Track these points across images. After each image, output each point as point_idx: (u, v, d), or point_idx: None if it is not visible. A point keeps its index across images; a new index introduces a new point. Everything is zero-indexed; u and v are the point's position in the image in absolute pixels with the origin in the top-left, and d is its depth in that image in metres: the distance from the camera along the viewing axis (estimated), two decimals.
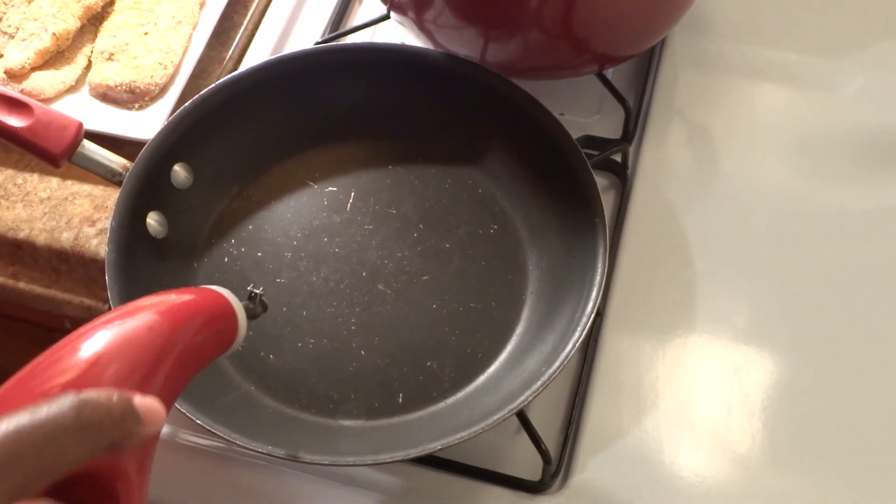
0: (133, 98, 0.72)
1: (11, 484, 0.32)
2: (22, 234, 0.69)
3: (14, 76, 0.71)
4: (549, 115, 0.66)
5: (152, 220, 0.64)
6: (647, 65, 0.80)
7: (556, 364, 0.56)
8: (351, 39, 0.80)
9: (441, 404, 0.61)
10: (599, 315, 0.67)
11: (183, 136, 0.66)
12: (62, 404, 0.33)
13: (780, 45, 0.82)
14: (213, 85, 0.67)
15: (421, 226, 0.67)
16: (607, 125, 0.76)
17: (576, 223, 0.63)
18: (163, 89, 0.73)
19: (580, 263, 0.62)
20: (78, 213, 0.70)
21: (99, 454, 0.34)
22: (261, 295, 0.51)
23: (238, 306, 0.49)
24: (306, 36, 0.80)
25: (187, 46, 0.74)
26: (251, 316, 0.50)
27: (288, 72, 0.69)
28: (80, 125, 0.62)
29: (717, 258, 0.70)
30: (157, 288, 0.48)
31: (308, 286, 0.65)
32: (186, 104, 0.66)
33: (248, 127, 0.69)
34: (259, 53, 0.78)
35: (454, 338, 0.63)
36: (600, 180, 0.73)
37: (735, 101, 0.79)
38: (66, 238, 0.69)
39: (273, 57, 0.69)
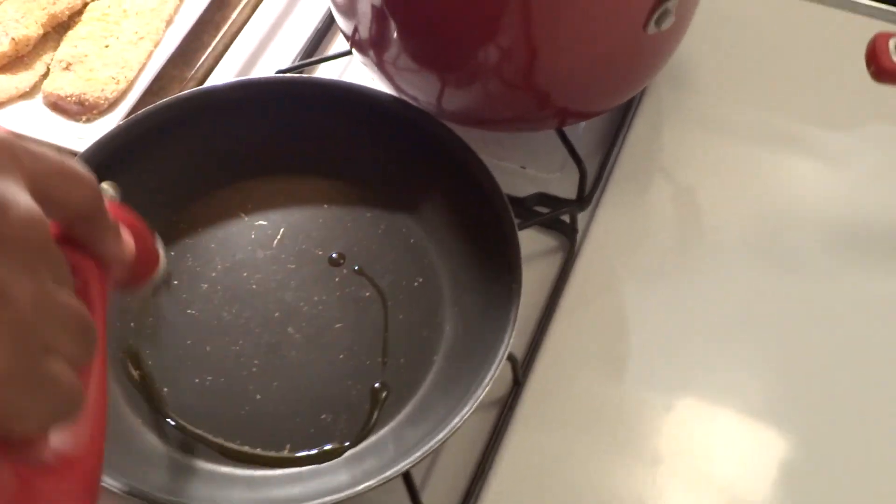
0: (82, 110, 0.71)
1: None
2: None
3: None
4: (485, 170, 0.63)
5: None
6: (620, 122, 0.76)
7: (439, 436, 0.53)
8: (320, 70, 0.79)
9: (326, 462, 0.58)
10: (519, 385, 0.64)
11: (112, 154, 0.64)
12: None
13: (768, 107, 0.79)
14: (150, 107, 0.66)
15: (345, 270, 0.65)
16: (569, 183, 0.73)
17: (494, 287, 0.60)
18: (113, 104, 0.72)
19: (491, 331, 0.58)
20: None
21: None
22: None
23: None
24: (275, 61, 0.79)
25: (145, 63, 0.74)
26: None
27: (228, 100, 0.67)
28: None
29: (655, 337, 0.67)
30: None
31: (217, 321, 0.63)
32: (121, 122, 0.65)
33: (185, 152, 0.67)
34: (223, 76, 0.77)
35: (355, 392, 0.60)
36: (548, 240, 0.71)
37: (715, 167, 0.76)
38: None
39: (213, 84, 0.68)
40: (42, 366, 0.32)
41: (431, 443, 0.53)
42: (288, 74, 0.74)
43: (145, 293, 0.62)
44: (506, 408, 0.63)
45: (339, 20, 0.70)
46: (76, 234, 0.39)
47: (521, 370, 0.63)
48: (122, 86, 0.72)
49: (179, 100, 0.67)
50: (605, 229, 0.71)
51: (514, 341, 0.64)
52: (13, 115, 0.71)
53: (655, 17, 0.61)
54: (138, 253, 0.46)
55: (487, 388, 0.55)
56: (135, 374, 0.60)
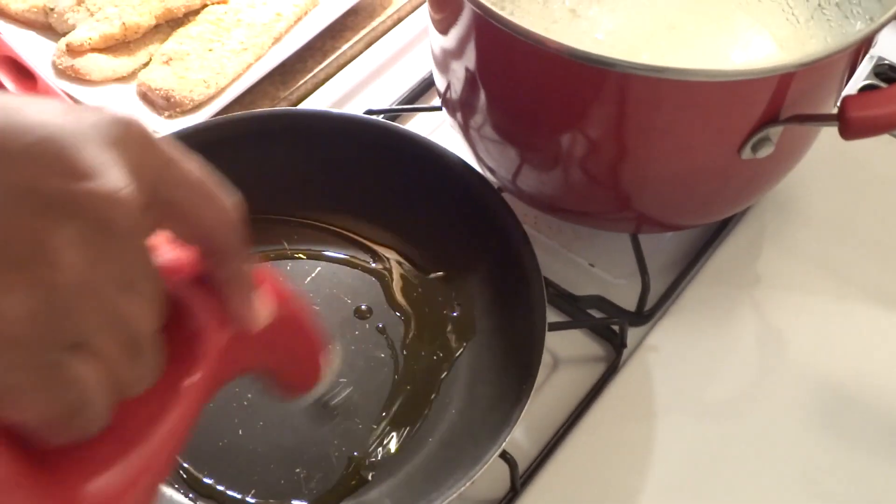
0: (167, 105, 0.71)
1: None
2: None
3: (72, 50, 0.73)
4: (534, 263, 0.59)
5: None
6: (708, 241, 0.71)
7: None
8: (413, 122, 0.77)
9: None
10: (515, 492, 0.59)
11: None
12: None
13: (885, 263, 0.71)
14: (228, 116, 0.65)
15: (367, 325, 0.62)
16: (634, 293, 0.67)
17: (510, 382, 0.56)
18: (198, 106, 0.72)
19: (492, 426, 0.54)
20: None
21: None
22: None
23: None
24: (372, 102, 0.78)
25: (241, 74, 0.73)
26: None
27: (303, 127, 0.66)
28: None
29: (675, 482, 0.60)
30: None
31: None
32: (195, 124, 0.65)
33: (254, 167, 0.65)
34: (315, 104, 0.76)
35: (337, 454, 0.57)
36: (596, 347, 0.66)
37: (809, 313, 0.69)
38: None
39: (291, 108, 0.67)
40: (61, 357, 0.28)
41: None
42: (370, 116, 0.72)
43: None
44: None
45: (436, 75, 0.68)
46: (204, 271, 0.35)
47: (521, 477, 0.59)
48: (212, 91, 0.72)
49: (259, 115, 0.66)
50: (658, 350, 0.66)
51: (523, 446, 0.61)
52: (103, 94, 0.72)
53: (752, 142, 0.56)
54: (292, 351, 0.41)
55: (467, 485, 0.50)
56: None
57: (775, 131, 0.55)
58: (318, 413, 0.57)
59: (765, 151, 0.56)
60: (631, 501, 0.59)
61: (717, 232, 0.71)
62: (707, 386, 0.65)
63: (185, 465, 0.56)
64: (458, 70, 0.62)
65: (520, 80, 0.59)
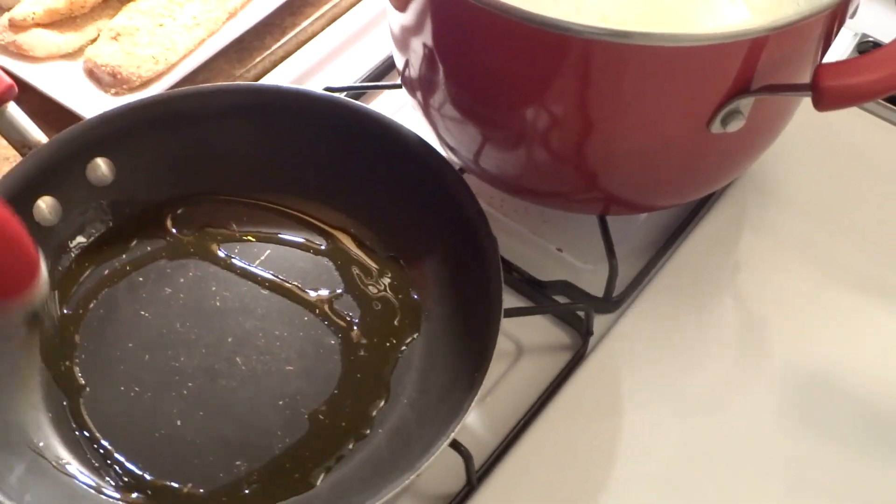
0: (114, 82, 0.68)
1: None
2: None
3: (15, 26, 0.69)
4: (493, 244, 0.56)
5: (44, 203, 0.59)
6: (681, 225, 0.68)
7: None
8: (376, 102, 0.73)
9: None
10: (472, 487, 0.55)
11: (115, 132, 0.60)
12: None
13: (871, 251, 0.68)
14: (164, 93, 0.62)
15: (317, 311, 0.59)
16: (604, 280, 0.64)
17: (462, 371, 0.53)
18: (146, 83, 0.68)
19: (442, 417, 0.51)
20: None
21: None
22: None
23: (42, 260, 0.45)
24: (333, 80, 0.74)
25: (193, 50, 0.70)
26: None
27: (248, 105, 0.62)
28: (11, 87, 0.59)
29: (640, 477, 0.57)
30: None
31: (167, 330, 0.57)
32: (130, 102, 0.61)
33: (192, 146, 0.62)
34: (273, 82, 0.73)
35: (280, 446, 0.53)
36: (561, 335, 0.63)
37: (789, 301, 0.65)
38: None
39: (230, 84, 0.64)
40: None
41: None
42: (326, 92, 0.68)
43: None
44: None
45: (395, 53, 0.64)
46: None
47: (477, 471, 0.55)
48: (161, 67, 0.68)
49: (208, 90, 0.63)
50: (627, 339, 0.63)
51: (482, 438, 0.58)
52: (48, 71, 0.69)
53: (722, 115, 0.52)
54: (4, 249, 0.42)
55: (412, 478, 0.47)
56: (62, 363, 0.56)
57: (746, 103, 0.52)
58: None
59: (735, 125, 0.53)
60: (594, 498, 0.56)
61: (692, 215, 0.68)
62: (679, 377, 0.62)
63: (119, 456, 0.52)
64: (417, 46, 0.59)
65: (479, 52, 0.55)
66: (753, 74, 0.51)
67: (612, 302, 0.63)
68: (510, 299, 0.64)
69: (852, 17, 0.56)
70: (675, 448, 0.58)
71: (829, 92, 0.49)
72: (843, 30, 0.56)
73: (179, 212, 0.62)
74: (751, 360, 0.63)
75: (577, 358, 0.61)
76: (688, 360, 0.62)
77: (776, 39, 0.49)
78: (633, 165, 0.58)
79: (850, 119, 0.74)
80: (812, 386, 0.62)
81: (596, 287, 0.64)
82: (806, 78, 0.51)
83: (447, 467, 0.56)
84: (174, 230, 0.62)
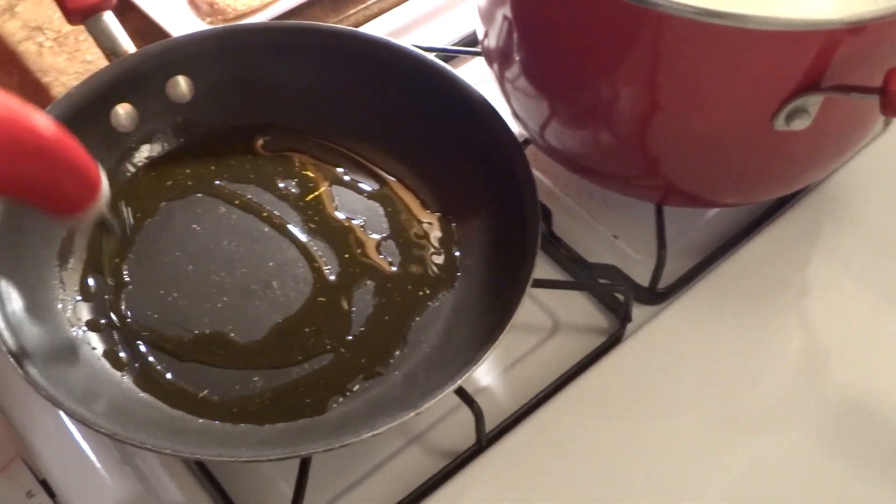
0: (211, 12, 0.71)
1: None
2: (45, 79, 0.70)
3: None
4: (535, 204, 0.56)
5: (122, 110, 0.62)
6: (748, 227, 0.66)
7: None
8: (461, 64, 0.74)
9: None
10: (480, 447, 0.55)
11: (197, 55, 0.63)
12: None
13: None
14: (248, 23, 0.64)
15: (360, 251, 0.59)
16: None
17: (485, 325, 0.53)
18: (239, 16, 0.71)
19: (455, 368, 0.51)
20: None
21: None
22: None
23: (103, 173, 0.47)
24: (423, 40, 0.75)
25: None
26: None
27: (316, 45, 0.64)
28: None
29: (653, 479, 0.56)
30: None
31: (213, 246, 0.59)
32: (217, 27, 0.64)
33: (270, 76, 0.64)
34: None
35: (298, 371, 0.54)
36: (600, 318, 0.62)
37: (857, 326, 0.63)
38: None
39: (308, 23, 0.65)
40: None
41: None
42: (403, 44, 0.68)
43: (75, 225, 0.57)
44: (453, 463, 0.55)
45: (477, 23, 0.65)
46: None
47: (488, 433, 0.55)
48: (256, 4, 0.70)
49: (284, 27, 0.65)
50: (666, 334, 0.61)
51: (500, 401, 0.58)
52: None
53: (787, 110, 0.51)
54: (36, 175, 0.43)
55: (411, 416, 0.47)
56: (112, 259, 0.58)
57: (814, 101, 0.50)
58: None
59: (800, 124, 0.51)
60: (597, 488, 0.55)
61: (756, 223, 0.66)
62: (715, 385, 0.60)
63: (144, 351, 0.55)
64: (498, 17, 0.60)
65: (558, 24, 0.55)
66: (825, 71, 0.49)
67: (656, 293, 0.62)
68: (553, 274, 0.64)
69: None
70: (696, 460, 0.56)
71: None
72: None
73: (248, 139, 0.64)
74: (802, 384, 0.60)
75: (611, 342, 0.60)
76: (729, 370, 0.60)
77: (852, 35, 0.48)
78: (695, 153, 0.57)
79: None
80: (861, 421, 0.59)
81: (644, 279, 0.63)
82: (877, 82, 0.50)
83: (460, 426, 0.56)
84: (240, 155, 0.64)
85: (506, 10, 0.58)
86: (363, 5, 0.75)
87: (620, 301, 0.61)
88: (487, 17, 0.62)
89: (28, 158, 0.42)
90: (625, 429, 0.57)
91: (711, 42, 0.49)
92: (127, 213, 0.60)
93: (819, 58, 0.49)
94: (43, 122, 0.43)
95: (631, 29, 0.51)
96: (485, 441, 0.55)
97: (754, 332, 0.62)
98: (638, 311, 0.62)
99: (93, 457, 0.56)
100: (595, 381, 0.59)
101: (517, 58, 0.60)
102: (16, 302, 0.52)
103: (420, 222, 0.61)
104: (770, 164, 0.57)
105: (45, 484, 0.59)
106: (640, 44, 0.51)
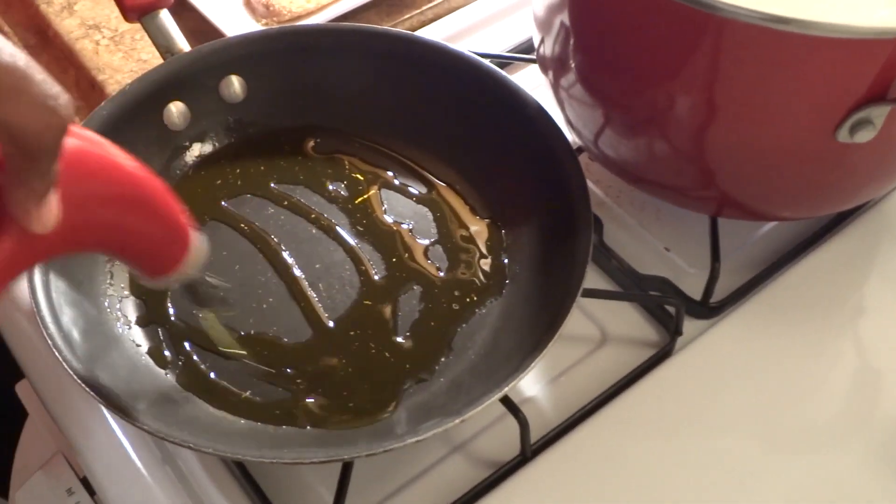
0: (266, 14, 0.71)
1: None
2: (100, 77, 0.70)
3: None
4: (587, 217, 0.55)
5: (175, 108, 0.62)
6: (807, 242, 0.64)
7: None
8: (515, 71, 0.73)
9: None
10: (525, 458, 0.54)
11: (251, 55, 0.63)
12: None
13: None
14: (309, 24, 0.64)
15: (407, 256, 0.59)
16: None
17: (532, 336, 0.52)
18: (294, 19, 0.71)
19: (501, 375, 0.50)
20: None
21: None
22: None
23: (201, 240, 0.46)
24: (479, 44, 0.75)
25: None
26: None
27: (374, 46, 0.63)
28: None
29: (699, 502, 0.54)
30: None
31: (261, 246, 0.59)
32: (272, 28, 0.63)
33: (327, 83, 0.64)
34: None
35: (342, 373, 0.54)
36: (649, 331, 0.61)
37: None
38: None
39: (365, 26, 0.64)
40: None
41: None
42: (456, 48, 0.68)
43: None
44: (496, 474, 0.54)
45: (533, 31, 0.64)
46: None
47: (533, 444, 0.54)
48: (311, 6, 0.70)
49: (337, 29, 0.65)
50: (719, 350, 0.60)
51: (546, 413, 0.57)
52: None
53: (851, 121, 0.49)
54: (136, 232, 0.42)
55: (456, 422, 0.46)
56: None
57: (879, 113, 0.49)
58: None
59: (864, 136, 0.50)
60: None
61: (813, 238, 0.65)
62: (764, 403, 0.58)
63: (189, 349, 0.54)
64: (555, 24, 0.59)
65: (619, 29, 0.54)
66: (892, 81, 0.48)
67: (709, 307, 0.60)
68: (602, 284, 0.62)
69: None
70: (743, 481, 0.54)
71: None
72: None
73: (298, 140, 0.64)
74: (853, 406, 0.58)
75: (661, 355, 0.59)
76: (779, 388, 0.58)
77: None
78: (753, 164, 0.55)
79: None
80: None
81: (696, 292, 0.61)
82: None
83: (504, 436, 0.55)
84: (290, 156, 0.63)
85: (563, 17, 0.57)
86: (417, 11, 0.75)
87: (671, 314, 0.60)
88: (544, 24, 0.61)
89: (134, 213, 0.41)
90: (673, 445, 0.56)
91: (775, 49, 0.48)
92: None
93: (887, 67, 0.47)
94: (155, 181, 0.42)
95: (692, 34, 0.50)
96: (529, 452, 0.54)
97: (807, 351, 0.60)
98: (688, 325, 0.60)
99: (134, 456, 0.56)
100: (643, 394, 0.58)
101: (573, 65, 0.59)
102: (63, 295, 0.52)
103: (468, 228, 0.60)
104: (830, 178, 0.55)
105: (85, 482, 0.59)
106: (701, 50, 0.50)
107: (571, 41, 0.58)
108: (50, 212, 0.34)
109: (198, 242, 0.45)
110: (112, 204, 0.39)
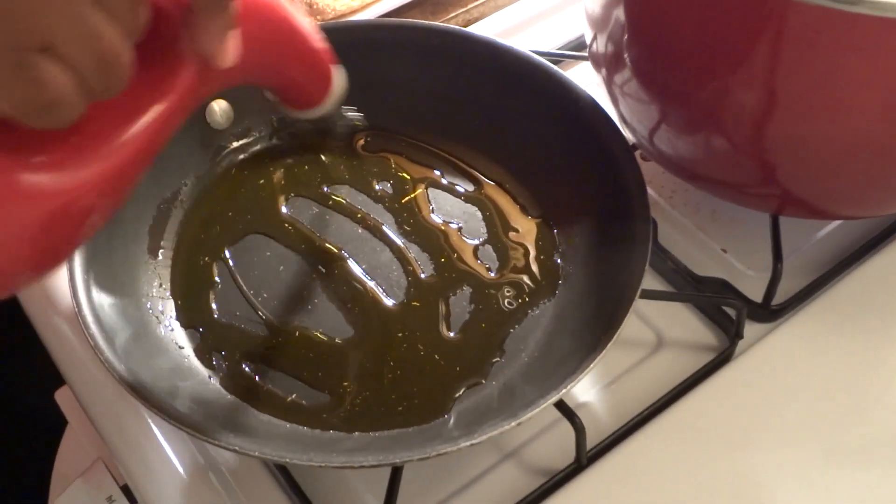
0: (310, 12, 0.70)
1: None
2: None
3: None
4: (646, 213, 0.53)
5: (218, 107, 0.61)
6: (872, 242, 0.62)
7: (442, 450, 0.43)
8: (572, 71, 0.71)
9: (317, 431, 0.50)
10: (580, 466, 0.52)
11: None
12: None
13: None
14: (355, 21, 0.62)
15: (457, 256, 0.57)
16: (765, 286, 0.59)
17: (589, 339, 0.49)
18: (338, 17, 0.69)
19: (558, 378, 0.48)
20: None
21: None
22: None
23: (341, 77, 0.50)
24: (529, 42, 0.73)
25: None
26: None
27: (435, 45, 0.62)
28: None
29: None
30: None
31: (305, 245, 0.57)
32: (322, 25, 0.62)
33: (373, 81, 0.62)
34: None
35: (391, 377, 0.52)
36: (708, 334, 0.59)
37: None
38: None
39: (424, 22, 0.63)
40: (28, 56, 0.29)
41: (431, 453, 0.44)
42: (507, 44, 0.66)
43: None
44: (551, 482, 0.52)
45: (586, 28, 0.62)
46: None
47: (589, 451, 0.52)
48: (356, 4, 0.69)
49: (384, 24, 0.63)
50: (782, 354, 0.57)
51: (602, 419, 0.54)
52: None
53: None
54: (287, 66, 0.45)
55: (512, 425, 0.44)
56: (202, 258, 0.57)
57: None
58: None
59: None
60: None
61: (880, 238, 0.62)
62: (827, 412, 0.55)
63: (233, 353, 0.53)
64: (609, 19, 0.57)
65: (677, 20, 0.52)
66: None
67: (771, 309, 0.58)
68: (658, 286, 0.60)
69: None
70: (804, 493, 0.52)
71: None
72: None
73: (345, 139, 0.63)
74: None
75: (721, 360, 0.56)
76: (844, 395, 0.56)
77: None
78: (818, 159, 0.53)
79: None
80: None
81: (755, 294, 0.59)
82: None
83: (558, 443, 0.53)
84: (335, 155, 0.62)
85: (619, 12, 0.55)
86: (463, 9, 0.73)
87: (730, 317, 0.57)
88: (597, 20, 0.59)
89: (291, 52, 0.45)
90: (733, 454, 0.53)
91: (843, 33, 0.45)
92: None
93: None
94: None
95: (754, 20, 0.48)
96: (585, 459, 0.52)
97: (873, 357, 0.58)
98: (748, 329, 0.58)
99: (176, 462, 0.54)
100: (703, 400, 0.55)
101: (628, 60, 0.57)
102: (104, 295, 0.50)
103: (519, 227, 0.58)
104: None
105: (126, 490, 0.57)
106: (765, 36, 0.48)
107: (626, 36, 0.56)
108: (233, 48, 0.38)
109: (339, 80, 0.49)
110: (275, 44, 0.44)
